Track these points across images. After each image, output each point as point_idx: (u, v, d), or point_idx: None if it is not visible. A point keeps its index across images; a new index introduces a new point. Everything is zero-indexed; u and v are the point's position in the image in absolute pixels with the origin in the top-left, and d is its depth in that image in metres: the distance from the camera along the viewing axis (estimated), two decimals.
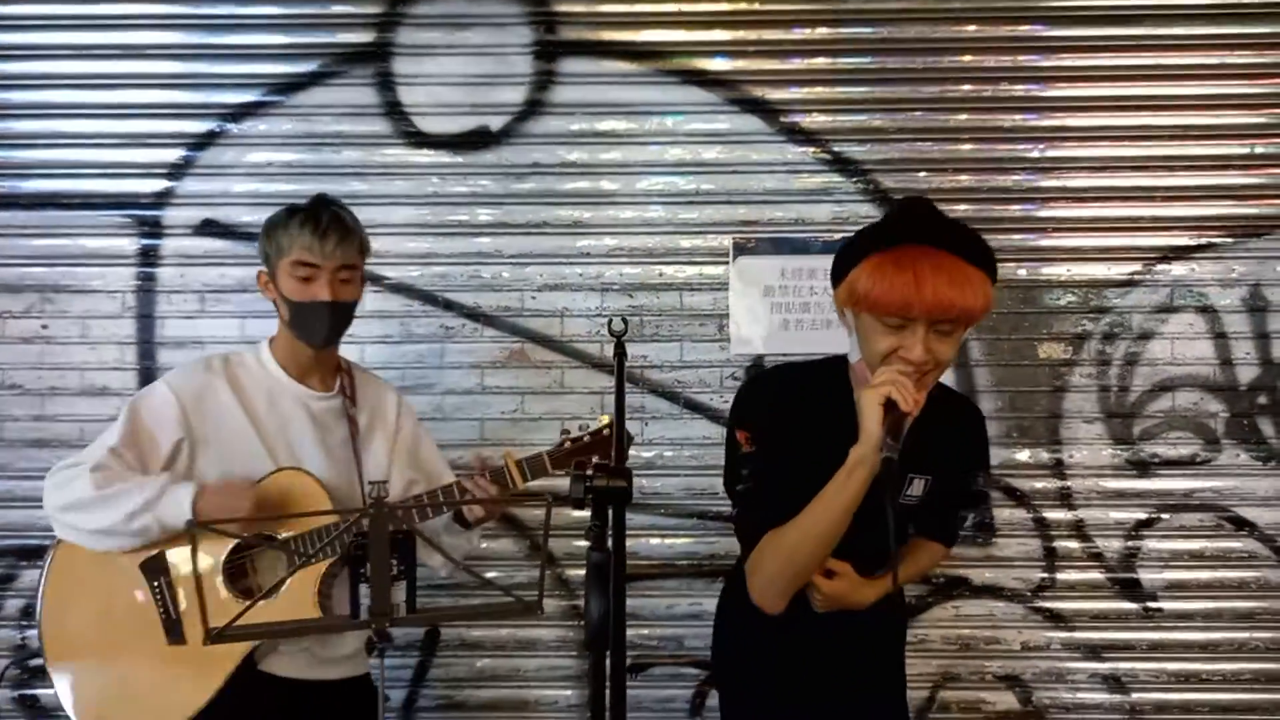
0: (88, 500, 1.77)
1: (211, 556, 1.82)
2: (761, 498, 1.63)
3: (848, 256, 1.57)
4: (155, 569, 1.83)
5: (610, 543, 1.30)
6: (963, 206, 2.76)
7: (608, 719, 1.28)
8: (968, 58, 2.78)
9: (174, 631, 1.82)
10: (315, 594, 1.80)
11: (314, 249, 1.83)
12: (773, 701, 1.72)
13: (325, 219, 1.85)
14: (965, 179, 2.79)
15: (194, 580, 1.52)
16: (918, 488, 1.65)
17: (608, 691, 1.28)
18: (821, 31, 2.79)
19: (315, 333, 1.88)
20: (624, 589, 1.34)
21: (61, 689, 1.85)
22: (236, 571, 1.85)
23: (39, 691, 2.81)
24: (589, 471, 1.27)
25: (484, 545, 2.70)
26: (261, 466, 1.85)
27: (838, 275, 1.59)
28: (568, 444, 1.89)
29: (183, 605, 1.83)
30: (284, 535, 1.83)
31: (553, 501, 1.56)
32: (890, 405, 1.45)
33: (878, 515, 1.46)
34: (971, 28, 2.77)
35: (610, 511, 1.29)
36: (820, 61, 2.79)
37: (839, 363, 1.70)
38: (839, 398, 1.64)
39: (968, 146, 2.79)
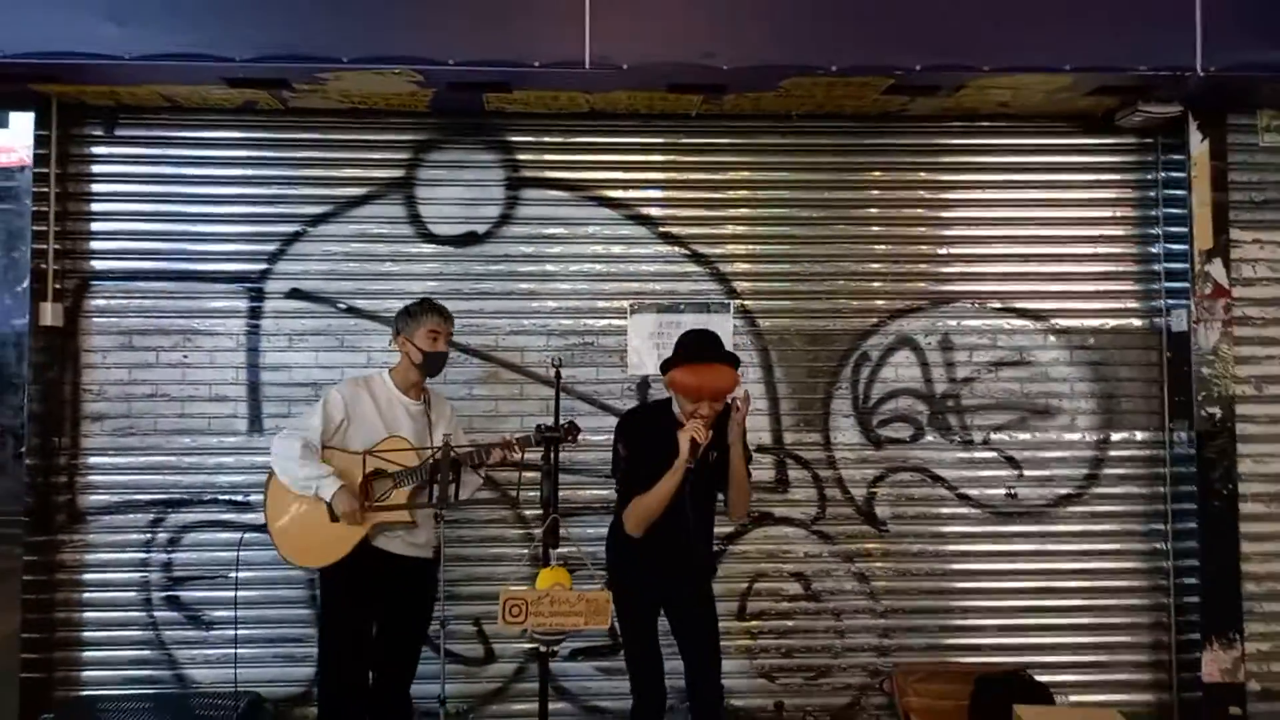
0: (293, 459, 3.35)
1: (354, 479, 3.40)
2: (631, 479, 3.28)
3: (668, 367, 3.29)
4: None
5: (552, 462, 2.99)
6: (782, 284, 4.48)
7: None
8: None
9: (333, 516, 3.36)
10: (407, 498, 3.42)
11: (439, 323, 3.56)
12: (636, 576, 3.35)
13: (440, 308, 3.59)
14: (784, 267, 4.49)
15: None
16: (713, 457, 3.27)
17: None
18: (696, 176, 4.48)
19: (436, 369, 3.59)
20: (557, 485, 3.01)
21: (275, 531, 3.49)
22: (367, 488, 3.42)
23: (181, 593, 4.32)
24: (541, 427, 2.98)
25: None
26: (380, 435, 3.45)
27: (664, 374, 3.32)
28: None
29: None
30: (392, 470, 3.41)
31: (526, 441, 3.32)
32: (694, 442, 3.12)
33: (694, 486, 3.17)
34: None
35: (552, 449, 2.98)
36: (691, 194, 4.49)
37: (668, 403, 3.39)
38: (667, 424, 3.28)
39: (782, 248, 4.50)
